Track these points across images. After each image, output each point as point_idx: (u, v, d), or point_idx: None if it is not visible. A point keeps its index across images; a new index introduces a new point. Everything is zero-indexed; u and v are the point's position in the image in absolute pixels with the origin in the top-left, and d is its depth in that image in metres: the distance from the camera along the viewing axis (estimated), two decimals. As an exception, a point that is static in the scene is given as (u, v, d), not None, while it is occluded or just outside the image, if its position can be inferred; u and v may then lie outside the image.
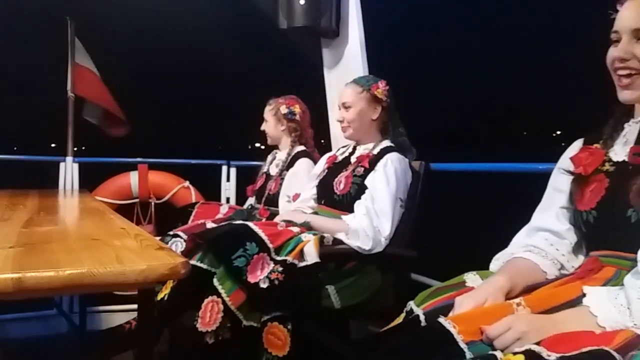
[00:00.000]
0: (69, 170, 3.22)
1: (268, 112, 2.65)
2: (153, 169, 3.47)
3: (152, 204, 3.36)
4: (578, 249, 1.24)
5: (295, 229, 1.88)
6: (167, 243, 2.05)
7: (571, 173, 1.22)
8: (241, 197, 3.11)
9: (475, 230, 1.33)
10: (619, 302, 0.95)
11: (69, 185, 3.21)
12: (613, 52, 1.15)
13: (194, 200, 3.21)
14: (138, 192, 3.40)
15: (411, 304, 1.19)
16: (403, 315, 1.19)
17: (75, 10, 3.62)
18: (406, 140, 2.17)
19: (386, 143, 2.13)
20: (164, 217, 3.25)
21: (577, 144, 1.29)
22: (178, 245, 2.02)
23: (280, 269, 1.69)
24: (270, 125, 2.64)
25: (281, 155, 2.65)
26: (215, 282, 1.70)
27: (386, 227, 1.91)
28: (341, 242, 1.90)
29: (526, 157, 1.39)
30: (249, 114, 2.99)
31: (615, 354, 0.76)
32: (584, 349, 0.80)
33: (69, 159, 3.25)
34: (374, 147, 2.13)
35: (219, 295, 1.68)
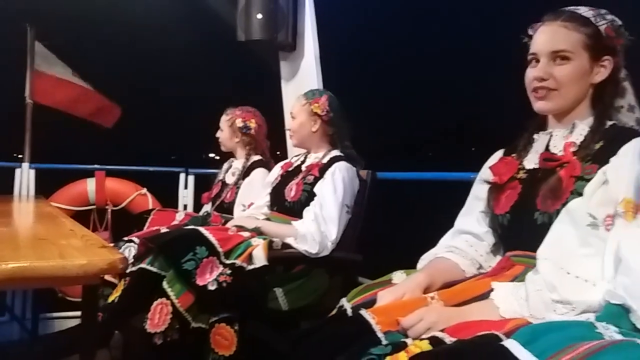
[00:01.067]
0: (24, 177, 3.21)
1: (224, 122, 2.73)
2: (111, 175, 3.49)
3: (109, 210, 3.38)
4: (496, 249, 1.36)
5: (246, 234, 1.96)
6: (120, 248, 2.10)
7: (489, 182, 1.35)
8: (199, 205, 3.16)
9: (418, 234, 1.41)
10: (520, 296, 1.07)
11: (24, 191, 3.20)
12: (532, 72, 1.29)
13: (150, 207, 3.25)
14: (95, 198, 3.40)
15: (343, 300, 1.29)
16: (335, 310, 1.28)
17: (36, 17, 3.62)
18: (353, 150, 2.28)
19: (335, 152, 2.24)
20: (121, 224, 3.26)
21: (498, 155, 1.42)
22: (131, 250, 2.07)
23: (229, 271, 1.76)
24: (225, 135, 2.72)
25: (237, 164, 2.72)
26: (165, 285, 1.75)
27: (333, 232, 2.00)
28: (290, 247, 1.98)
29: (473, 168, 1.51)
30: (208, 123, 3.05)
31: (502, 336, 0.86)
32: (479, 334, 0.90)
33: (25, 165, 3.24)
34: (323, 156, 2.23)
35: (168, 297, 1.73)
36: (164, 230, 2.25)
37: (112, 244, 2.10)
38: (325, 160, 2.21)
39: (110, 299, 1.84)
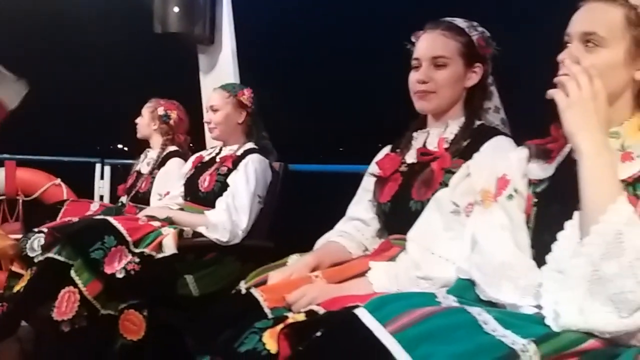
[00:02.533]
0: None
1: (146, 108, 2.76)
2: (23, 165, 3.37)
3: (20, 201, 3.28)
4: (381, 234, 1.51)
5: (157, 224, 2.01)
6: (29, 239, 2.08)
7: (375, 175, 1.49)
8: (116, 196, 3.14)
9: (327, 222, 1.51)
10: (391, 273, 1.21)
11: None
12: (415, 76, 1.44)
13: (65, 198, 3.19)
14: (4, 189, 3.29)
15: (242, 282, 1.39)
16: (234, 291, 1.38)
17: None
18: (269, 143, 2.37)
19: (250, 145, 2.32)
20: (33, 215, 3.18)
21: (385, 150, 1.57)
22: (40, 240, 2.06)
23: (137, 260, 1.81)
24: (144, 121, 2.74)
25: (153, 153, 2.74)
26: (73, 273, 1.78)
27: (244, 221, 2.09)
28: (201, 235, 2.05)
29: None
30: (124, 114, 3.03)
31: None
32: (347, 305, 1.03)
33: None
34: (238, 149, 2.31)
35: (75, 286, 1.76)
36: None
37: (22, 235, 2.08)
38: (239, 153, 2.29)
39: (15, 289, 1.83)
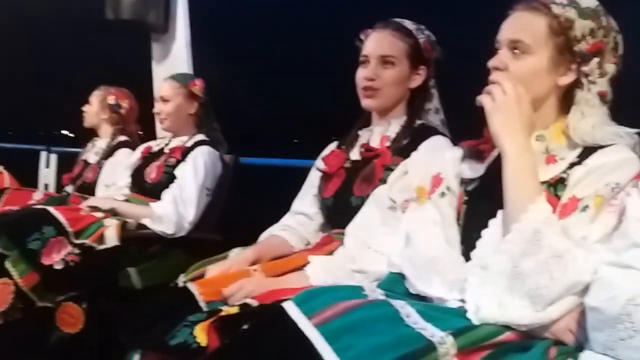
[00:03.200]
0: None
1: (95, 97, 2.68)
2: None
3: (-43, 189, 3.12)
4: (324, 228, 1.53)
5: (99, 214, 1.96)
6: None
7: (320, 170, 1.51)
8: (62, 185, 3.05)
9: (279, 216, 1.52)
10: (328, 267, 1.23)
11: None
12: (362, 73, 1.45)
13: (6, 186, 3.06)
14: (-61, 176, 3.13)
15: (181, 275, 1.38)
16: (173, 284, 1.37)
17: None
18: (220, 135, 2.35)
19: (200, 137, 2.29)
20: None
21: (331, 147, 1.59)
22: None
23: (77, 251, 1.77)
24: (93, 109, 2.67)
25: (101, 143, 2.67)
26: (8, 264, 1.72)
27: (190, 214, 2.07)
28: (146, 227, 2.02)
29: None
30: (72, 101, 2.94)
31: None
32: (282, 298, 1.05)
33: None
34: (188, 140, 2.28)
35: (10, 277, 1.71)
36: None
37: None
38: (189, 144, 2.26)
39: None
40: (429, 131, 1.42)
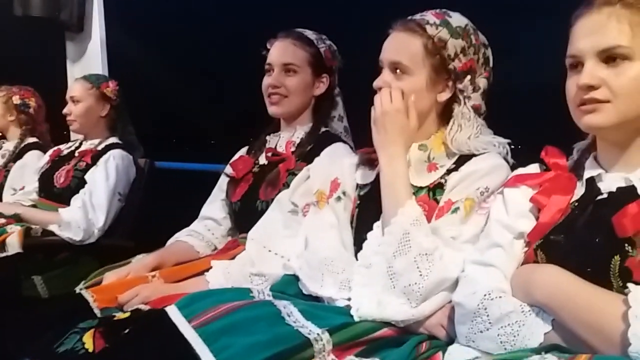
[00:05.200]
0: None
1: None
2: None
3: None
4: (233, 233, 1.55)
5: (1, 220, 1.88)
6: None
7: (228, 175, 1.53)
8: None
9: (192, 221, 1.51)
10: (228, 272, 1.25)
11: None
12: (267, 80, 1.49)
13: None
14: None
15: (82, 283, 1.36)
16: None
17: None
18: (134, 138, 2.31)
19: (113, 140, 2.24)
20: None
21: (241, 152, 1.61)
22: None
23: (-26, 260, 1.68)
24: None
25: (9, 145, 2.54)
26: None
27: (100, 220, 2.02)
28: (53, 234, 1.95)
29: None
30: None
31: None
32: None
33: None
34: (99, 143, 2.22)
35: None
36: None
37: None
38: (100, 147, 2.20)
39: None
40: (331, 138, 1.47)
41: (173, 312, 0.85)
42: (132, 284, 1.19)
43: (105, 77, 2.30)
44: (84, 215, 1.98)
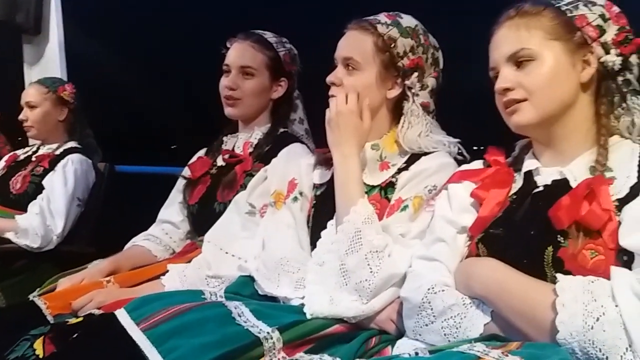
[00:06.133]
0: None
1: None
2: None
3: None
4: (192, 236, 1.54)
5: (-46, 229, 1.83)
6: None
7: (185, 177, 1.53)
8: None
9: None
10: (184, 275, 1.25)
11: None
12: (224, 82, 1.49)
13: None
14: None
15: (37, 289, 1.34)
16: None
17: None
18: (93, 141, 2.28)
19: (71, 144, 2.20)
20: None
21: (200, 153, 1.61)
22: None
23: None
24: None
25: (-37, 152, 2.48)
26: None
27: (59, 226, 1.98)
28: (9, 242, 1.91)
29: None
30: None
31: None
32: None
33: None
34: (57, 148, 2.18)
35: None
36: None
37: None
38: (58, 152, 2.16)
39: None
40: (289, 139, 1.48)
41: (122, 315, 0.85)
42: (86, 290, 1.18)
43: (62, 80, 2.26)
44: (42, 222, 1.95)
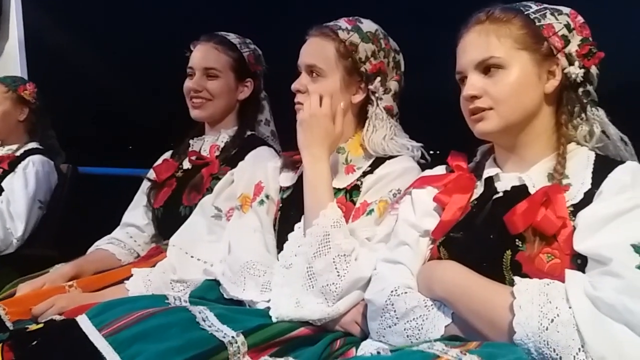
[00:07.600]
0: None
1: None
2: None
3: None
4: (157, 239, 1.52)
5: None
6: None
7: (150, 180, 1.51)
8: None
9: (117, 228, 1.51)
10: (149, 279, 1.23)
11: None
12: (188, 84, 1.47)
13: None
14: None
15: (-6, 296, 1.30)
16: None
17: None
18: (56, 142, 2.22)
19: (32, 145, 2.14)
20: None
21: (165, 156, 1.59)
22: None
23: None
24: None
25: None
26: None
27: (19, 229, 1.93)
28: (-35, 246, 1.85)
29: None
30: None
31: None
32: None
33: None
34: (17, 149, 2.12)
35: None
36: None
37: None
38: (19, 153, 2.10)
39: None
40: (256, 142, 1.48)
41: (84, 321, 0.83)
42: (47, 295, 1.16)
43: (23, 79, 2.20)
44: (1, 225, 1.90)
